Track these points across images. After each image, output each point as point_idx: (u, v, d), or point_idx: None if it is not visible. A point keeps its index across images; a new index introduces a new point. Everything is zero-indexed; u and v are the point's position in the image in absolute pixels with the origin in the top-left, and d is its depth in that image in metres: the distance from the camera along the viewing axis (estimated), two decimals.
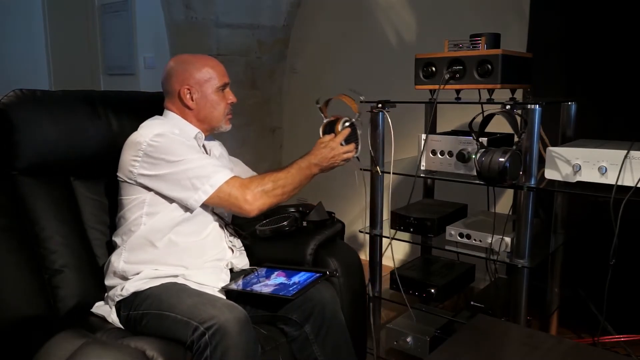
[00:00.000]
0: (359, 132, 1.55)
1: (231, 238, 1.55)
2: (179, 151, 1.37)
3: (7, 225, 1.36)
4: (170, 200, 1.38)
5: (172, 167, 1.35)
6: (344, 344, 1.46)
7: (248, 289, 1.39)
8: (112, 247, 1.48)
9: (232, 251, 1.52)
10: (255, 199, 1.37)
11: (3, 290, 1.30)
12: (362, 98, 1.62)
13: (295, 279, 1.43)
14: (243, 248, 1.60)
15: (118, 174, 1.42)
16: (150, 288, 1.34)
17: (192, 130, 1.50)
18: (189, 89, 1.46)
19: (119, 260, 1.40)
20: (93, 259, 1.51)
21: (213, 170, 1.37)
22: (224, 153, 1.67)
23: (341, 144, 1.52)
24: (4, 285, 1.30)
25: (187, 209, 1.39)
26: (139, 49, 3.78)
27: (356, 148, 1.55)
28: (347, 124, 1.54)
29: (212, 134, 1.58)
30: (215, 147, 1.62)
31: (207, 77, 1.47)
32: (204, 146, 1.54)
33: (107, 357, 1.12)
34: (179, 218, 1.39)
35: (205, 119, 1.50)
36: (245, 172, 1.71)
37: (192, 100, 1.47)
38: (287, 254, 1.60)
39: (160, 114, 1.52)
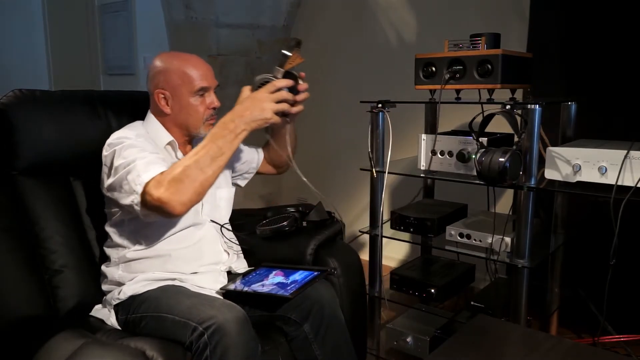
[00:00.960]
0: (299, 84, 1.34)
1: (227, 240, 1.53)
2: (125, 153, 1.28)
3: (7, 225, 1.36)
4: None
5: (117, 170, 1.27)
6: (343, 343, 1.45)
7: (246, 289, 1.39)
8: (104, 245, 1.48)
9: (228, 254, 1.51)
10: (168, 192, 1.17)
11: (3, 290, 1.30)
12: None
13: (293, 278, 1.43)
14: (241, 251, 1.60)
15: (100, 186, 1.38)
16: (147, 291, 1.34)
17: (164, 137, 1.42)
18: (162, 94, 1.39)
19: (113, 273, 1.40)
20: (93, 259, 1.51)
21: (144, 167, 1.22)
22: None
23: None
24: (4, 285, 1.30)
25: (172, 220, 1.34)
26: (139, 49, 3.78)
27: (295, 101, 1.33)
28: (278, 75, 1.30)
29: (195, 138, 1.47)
30: None
31: (182, 81, 1.37)
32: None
33: (107, 357, 1.12)
34: (166, 228, 1.37)
35: (182, 125, 1.42)
36: (251, 151, 1.67)
37: (167, 105, 1.39)
38: (287, 254, 1.60)
39: None
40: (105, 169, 1.33)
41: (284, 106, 1.30)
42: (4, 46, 4.40)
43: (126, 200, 1.25)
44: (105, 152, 1.33)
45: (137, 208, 1.23)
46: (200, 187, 1.21)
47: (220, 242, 1.50)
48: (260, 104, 1.27)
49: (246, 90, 1.31)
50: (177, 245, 1.40)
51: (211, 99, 1.42)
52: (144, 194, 1.19)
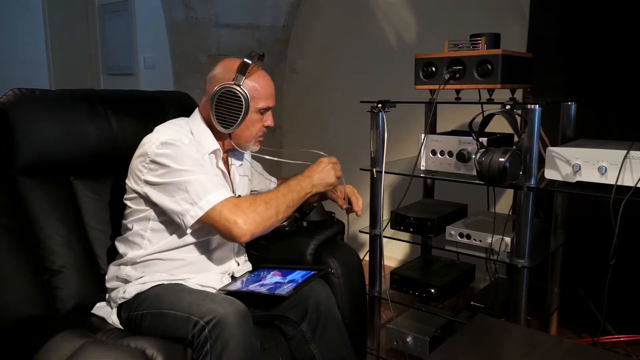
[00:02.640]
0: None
1: (240, 249, 1.54)
2: (185, 161, 1.30)
3: (7, 225, 1.35)
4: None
5: (175, 176, 1.28)
6: (340, 341, 1.45)
7: (244, 289, 1.39)
8: (112, 249, 1.47)
9: (238, 264, 1.51)
10: (247, 222, 1.26)
11: (3, 290, 1.30)
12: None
13: (291, 277, 1.43)
14: (247, 257, 1.60)
15: (126, 180, 1.38)
16: (149, 289, 1.34)
17: (210, 144, 1.41)
18: None
19: (122, 270, 1.39)
20: (93, 259, 1.51)
21: (212, 186, 1.28)
22: (250, 165, 1.65)
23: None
24: (4, 285, 1.30)
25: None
26: (139, 49, 3.77)
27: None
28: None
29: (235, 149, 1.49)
30: (240, 165, 1.56)
31: (251, 94, 1.37)
32: (226, 162, 1.49)
33: (107, 357, 1.12)
34: (184, 234, 1.36)
35: (235, 136, 1.42)
36: (265, 184, 1.74)
37: None
38: (287, 255, 1.60)
39: (165, 113, 1.48)
40: (151, 165, 1.30)
41: (341, 173, 1.52)
42: (4, 46, 4.39)
43: (177, 207, 1.28)
44: (158, 149, 1.29)
45: (190, 220, 1.27)
46: (269, 227, 1.33)
47: (234, 251, 1.50)
48: (327, 170, 1.47)
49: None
50: (193, 253, 1.39)
51: (269, 118, 1.46)
52: (212, 211, 1.25)
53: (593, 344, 1.75)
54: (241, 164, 1.57)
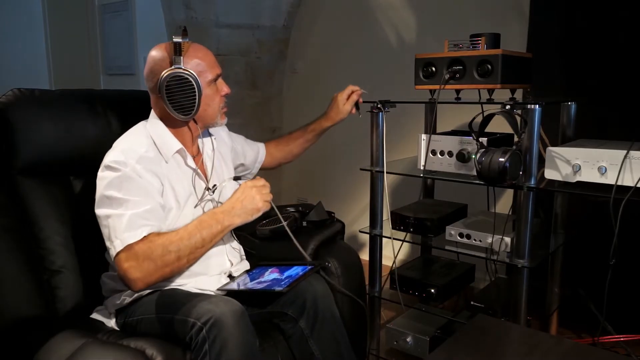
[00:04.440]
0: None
1: (234, 245, 1.53)
2: (119, 189, 1.23)
3: (7, 225, 1.36)
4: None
5: (101, 204, 1.24)
6: (339, 337, 1.44)
7: (242, 287, 1.39)
8: (106, 253, 1.46)
9: (232, 263, 1.49)
10: (138, 270, 1.17)
11: (3, 290, 1.30)
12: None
13: (288, 273, 1.43)
14: (245, 257, 1.59)
15: None
16: (146, 295, 1.33)
17: (172, 145, 1.35)
18: None
19: (115, 281, 1.38)
20: (93, 259, 1.50)
21: (126, 227, 1.19)
22: (227, 143, 1.61)
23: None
24: (3, 285, 1.30)
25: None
26: (139, 49, 3.78)
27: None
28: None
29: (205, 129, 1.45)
30: (214, 142, 1.51)
31: (196, 70, 1.30)
32: (198, 154, 1.45)
33: (107, 357, 1.12)
34: None
35: (199, 117, 1.36)
36: (254, 150, 1.72)
37: None
38: (286, 254, 1.60)
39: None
40: (97, 188, 1.27)
41: (270, 196, 1.34)
42: (4, 46, 4.40)
43: (106, 242, 1.23)
44: (100, 171, 1.27)
45: (111, 260, 1.22)
46: (170, 273, 1.22)
47: (226, 251, 1.48)
48: (249, 197, 1.30)
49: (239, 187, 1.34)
50: None
51: (223, 86, 1.39)
52: (116, 255, 1.19)
53: (593, 344, 1.75)
54: (213, 150, 1.50)
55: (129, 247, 1.18)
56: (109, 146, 1.53)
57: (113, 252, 1.20)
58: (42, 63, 4.55)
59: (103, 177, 1.26)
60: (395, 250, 1.79)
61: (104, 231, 1.23)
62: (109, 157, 1.27)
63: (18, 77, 4.23)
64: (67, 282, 1.42)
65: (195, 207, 1.39)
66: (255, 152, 1.74)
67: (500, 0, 2.40)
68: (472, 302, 1.79)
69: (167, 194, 1.32)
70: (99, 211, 1.25)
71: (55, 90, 1.56)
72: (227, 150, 1.61)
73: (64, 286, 1.41)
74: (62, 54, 4.50)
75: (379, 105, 1.73)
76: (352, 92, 1.73)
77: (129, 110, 1.59)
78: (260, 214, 1.33)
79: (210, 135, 1.52)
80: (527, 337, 1.29)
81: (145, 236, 1.20)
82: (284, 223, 1.44)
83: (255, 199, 1.30)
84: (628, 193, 1.30)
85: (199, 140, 1.48)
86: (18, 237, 1.37)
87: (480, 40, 1.58)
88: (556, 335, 1.81)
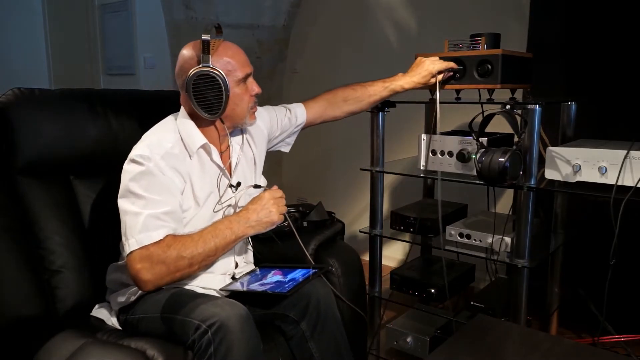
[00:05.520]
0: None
1: (248, 248, 1.53)
2: (141, 184, 1.23)
3: (6, 224, 1.35)
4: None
5: (124, 199, 1.24)
6: (339, 339, 1.44)
7: (245, 288, 1.39)
8: (112, 249, 1.46)
9: (237, 264, 1.49)
10: (150, 273, 1.18)
11: (3, 290, 1.30)
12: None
13: (291, 276, 1.43)
14: (252, 258, 1.58)
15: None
16: (149, 293, 1.32)
17: (196, 140, 1.33)
18: None
19: (123, 275, 1.37)
20: (93, 259, 1.50)
21: (142, 227, 1.19)
22: (264, 133, 1.55)
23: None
24: (3, 285, 1.30)
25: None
26: (139, 49, 3.77)
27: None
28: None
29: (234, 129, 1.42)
30: (247, 142, 1.49)
31: (224, 69, 1.29)
32: (228, 146, 1.43)
33: (107, 357, 1.12)
34: None
35: (227, 117, 1.34)
36: (291, 117, 1.63)
37: None
38: (287, 254, 1.60)
39: (166, 113, 1.42)
40: (121, 181, 1.27)
41: (285, 208, 1.35)
42: (4, 46, 4.39)
43: (122, 238, 1.24)
44: (126, 164, 1.26)
45: (127, 252, 1.22)
46: (180, 278, 1.24)
47: (235, 253, 1.47)
48: (267, 208, 1.30)
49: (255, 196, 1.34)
50: None
51: (254, 86, 1.37)
52: (130, 253, 1.20)
53: (593, 344, 1.75)
54: (241, 145, 1.47)
55: (144, 248, 1.19)
56: (109, 145, 1.53)
57: (127, 249, 1.21)
58: (42, 63, 4.54)
59: (127, 170, 1.26)
60: (395, 250, 1.79)
61: (122, 224, 1.24)
62: (136, 151, 1.27)
63: (18, 77, 4.23)
64: (67, 282, 1.42)
65: (216, 211, 1.39)
66: (289, 122, 1.64)
67: (500, 0, 2.40)
68: (472, 302, 1.79)
69: (187, 193, 1.32)
70: (120, 202, 1.26)
71: (55, 90, 1.56)
72: (264, 142, 1.56)
73: (63, 286, 1.41)
74: (62, 54, 4.50)
75: (379, 105, 1.73)
76: (445, 71, 1.58)
77: (129, 110, 1.59)
78: (274, 227, 1.33)
79: (242, 133, 1.48)
80: (527, 337, 1.29)
81: (161, 239, 1.21)
82: (297, 235, 1.42)
83: (271, 213, 1.30)
84: (628, 193, 1.30)
85: (231, 139, 1.45)
86: (18, 237, 1.37)
87: (480, 40, 1.58)
88: (556, 335, 1.81)
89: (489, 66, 1.53)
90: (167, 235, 1.22)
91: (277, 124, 1.62)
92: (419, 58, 1.63)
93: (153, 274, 1.19)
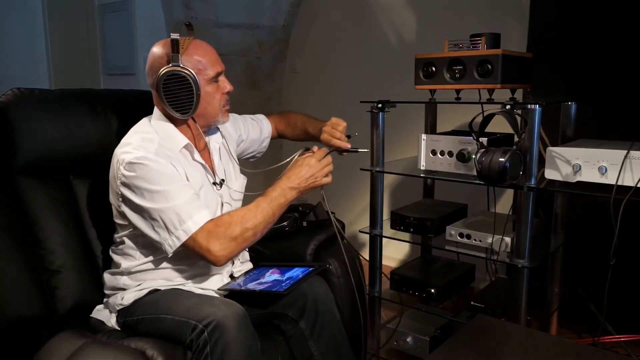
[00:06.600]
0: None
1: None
2: (156, 181, 1.22)
3: (6, 224, 1.35)
4: None
5: (148, 201, 1.22)
6: (339, 338, 1.44)
7: (243, 288, 1.39)
8: (111, 249, 1.47)
9: (233, 262, 1.49)
10: (221, 249, 1.22)
11: (3, 290, 1.30)
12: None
13: (289, 274, 1.43)
14: (249, 259, 1.58)
15: (109, 197, 1.34)
16: (147, 294, 1.33)
17: (178, 140, 1.33)
18: None
19: (118, 280, 1.38)
20: (92, 259, 1.51)
21: (187, 214, 1.21)
22: (233, 135, 1.58)
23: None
24: (3, 285, 1.30)
25: None
26: (139, 49, 3.78)
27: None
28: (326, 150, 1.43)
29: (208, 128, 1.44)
30: (221, 136, 1.51)
31: (195, 68, 1.28)
32: (206, 145, 1.45)
33: (107, 357, 1.12)
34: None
35: (199, 116, 1.34)
36: (257, 128, 1.67)
37: None
38: (287, 254, 1.60)
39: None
40: (124, 188, 1.25)
41: (331, 167, 1.42)
42: (4, 46, 4.40)
43: (155, 235, 1.24)
44: (127, 171, 1.23)
45: (168, 249, 1.23)
46: (245, 247, 1.30)
47: None
48: (320, 173, 1.39)
49: (305, 155, 1.40)
50: (189, 259, 1.36)
51: (225, 84, 1.37)
52: (187, 239, 1.21)
53: (593, 344, 1.75)
54: (221, 143, 1.50)
55: (201, 230, 1.21)
56: (108, 145, 1.53)
57: (176, 243, 1.22)
58: (42, 63, 4.54)
59: (127, 175, 1.23)
60: (395, 250, 1.79)
61: (159, 223, 1.22)
62: (129, 156, 1.24)
63: (18, 77, 4.23)
64: (67, 282, 1.42)
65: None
66: (259, 132, 1.69)
67: (500, 0, 2.40)
68: (472, 302, 1.79)
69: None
70: (138, 202, 1.23)
71: (55, 90, 1.56)
72: (234, 143, 1.59)
73: (63, 286, 1.41)
74: (62, 54, 4.50)
75: (379, 106, 1.73)
76: (339, 139, 1.52)
77: (128, 110, 1.59)
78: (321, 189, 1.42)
79: (218, 130, 1.51)
80: (527, 337, 1.29)
81: (219, 216, 1.27)
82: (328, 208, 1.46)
83: (317, 179, 1.38)
84: (628, 193, 1.30)
85: (209, 138, 1.47)
86: (18, 237, 1.37)
87: (480, 40, 1.58)
88: (556, 335, 1.81)
89: (489, 66, 1.53)
90: (224, 214, 1.30)
91: (244, 125, 1.65)
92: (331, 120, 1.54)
93: (225, 248, 1.23)
